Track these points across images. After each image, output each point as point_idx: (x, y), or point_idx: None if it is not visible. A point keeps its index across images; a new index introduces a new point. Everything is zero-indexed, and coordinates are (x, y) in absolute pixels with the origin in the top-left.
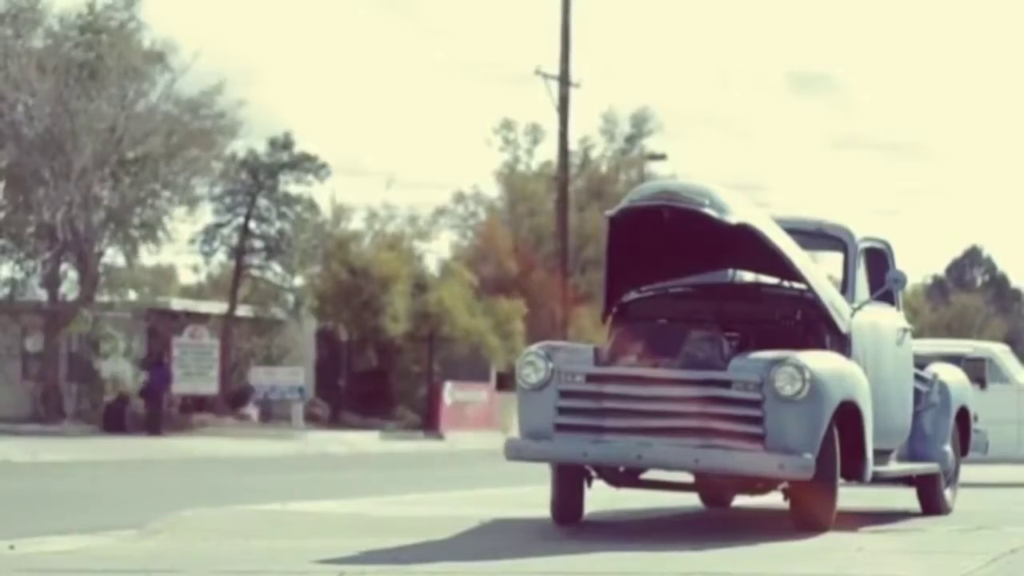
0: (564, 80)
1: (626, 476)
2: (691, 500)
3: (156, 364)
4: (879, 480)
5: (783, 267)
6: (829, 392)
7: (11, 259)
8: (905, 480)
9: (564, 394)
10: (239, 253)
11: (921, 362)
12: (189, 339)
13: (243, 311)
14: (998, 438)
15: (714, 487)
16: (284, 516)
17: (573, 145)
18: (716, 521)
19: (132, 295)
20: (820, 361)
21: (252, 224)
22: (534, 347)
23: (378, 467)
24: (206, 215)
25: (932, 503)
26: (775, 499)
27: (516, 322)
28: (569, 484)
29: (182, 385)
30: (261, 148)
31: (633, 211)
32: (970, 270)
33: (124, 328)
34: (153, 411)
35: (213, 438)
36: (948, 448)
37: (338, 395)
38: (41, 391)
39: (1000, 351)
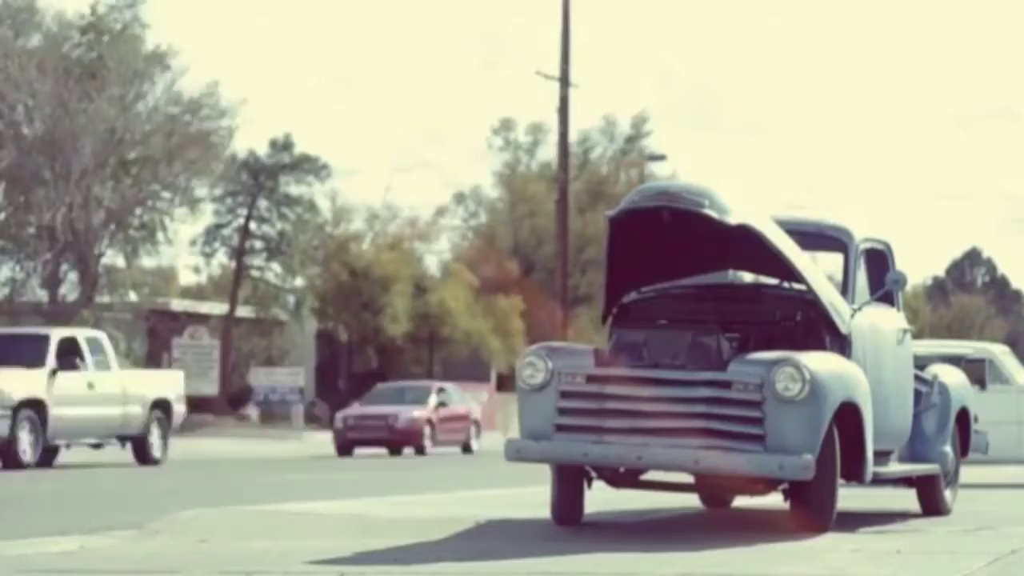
0: (564, 81)
1: (626, 477)
2: (691, 500)
3: None
4: (879, 481)
5: (783, 268)
6: (829, 393)
7: (11, 260)
8: (905, 481)
9: (564, 395)
10: (239, 254)
11: (921, 363)
12: (189, 340)
13: (243, 312)
14: (998, 439)
15: (714, 488)
16: (284, 516)
17: (572, 146)
18: (716, 521)
19: (132, 296)
20: (820, 362)
21: (253, 225)
22: (534, 348)
23: (378, 467)
24: (207, 216)
25: (932, 504)
26: (775, 499)
27: (515, 320)
28: (569, 485)
29: None
30: (262, 149)
31: (633, 212)
32: (970, 271)
33: (124, 329)
34: None
35: (213, 439)
36: (948, 449)
37: (338, 396)
38: None
39: (1000, 352)
